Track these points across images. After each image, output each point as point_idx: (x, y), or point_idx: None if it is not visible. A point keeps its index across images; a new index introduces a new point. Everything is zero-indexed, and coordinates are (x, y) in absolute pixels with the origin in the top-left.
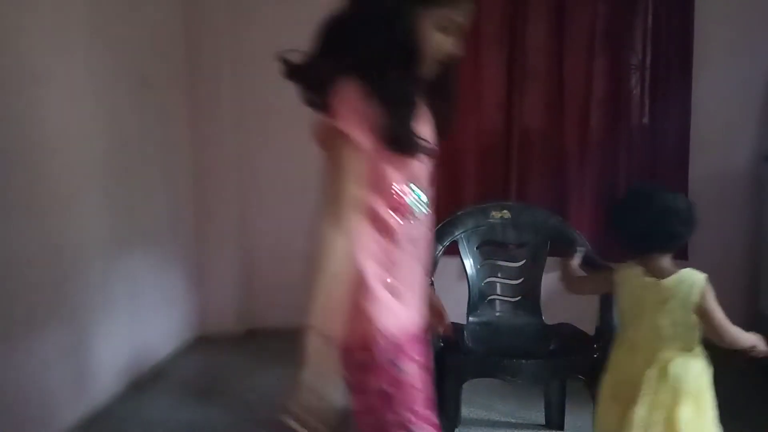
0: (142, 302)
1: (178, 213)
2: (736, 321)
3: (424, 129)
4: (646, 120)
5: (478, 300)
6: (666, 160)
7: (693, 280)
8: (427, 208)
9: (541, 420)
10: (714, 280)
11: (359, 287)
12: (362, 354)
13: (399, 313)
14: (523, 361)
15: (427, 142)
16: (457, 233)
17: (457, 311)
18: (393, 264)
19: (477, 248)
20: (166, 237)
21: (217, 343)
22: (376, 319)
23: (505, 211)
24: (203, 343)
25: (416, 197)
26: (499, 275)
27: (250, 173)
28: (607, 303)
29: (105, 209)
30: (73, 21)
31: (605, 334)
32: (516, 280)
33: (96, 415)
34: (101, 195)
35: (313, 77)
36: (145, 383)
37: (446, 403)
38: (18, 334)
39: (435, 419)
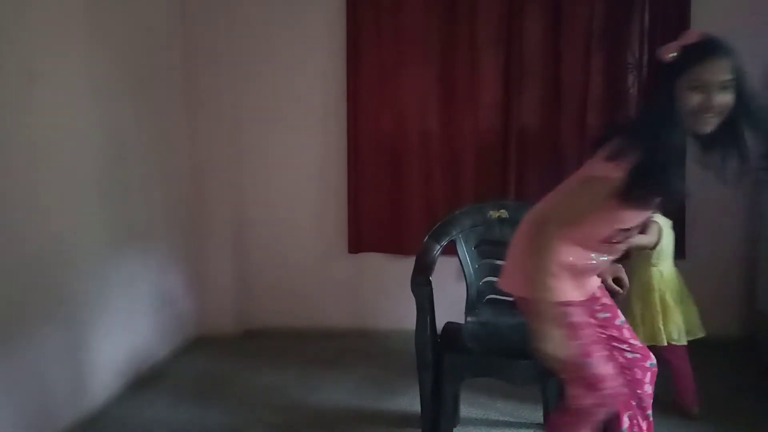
0: (139, 303)
1: (176, 213)
2: (733, 320)
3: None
4: None
5: (476, 300)
6: None
7: None
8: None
9: (540, 419)
10: (712, 279)
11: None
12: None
13: (572, 288)
14: (521, 360)
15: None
16: (454, 233)
17: (455, 311)
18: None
19: (475, 248)
20: (163, 237)
21: (215, 344)
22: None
23: (502, 210)
24: (201, 343)
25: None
26: (497, 274)
27: (248, 173)
28: None
29: (102, 209)
30: (70, 20)
31: None
32: None
33: (94, 416)
34: (98, 195)
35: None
36: (143, 384)
37: (445, 402)
38: (15, 335)
39: (602, 351)
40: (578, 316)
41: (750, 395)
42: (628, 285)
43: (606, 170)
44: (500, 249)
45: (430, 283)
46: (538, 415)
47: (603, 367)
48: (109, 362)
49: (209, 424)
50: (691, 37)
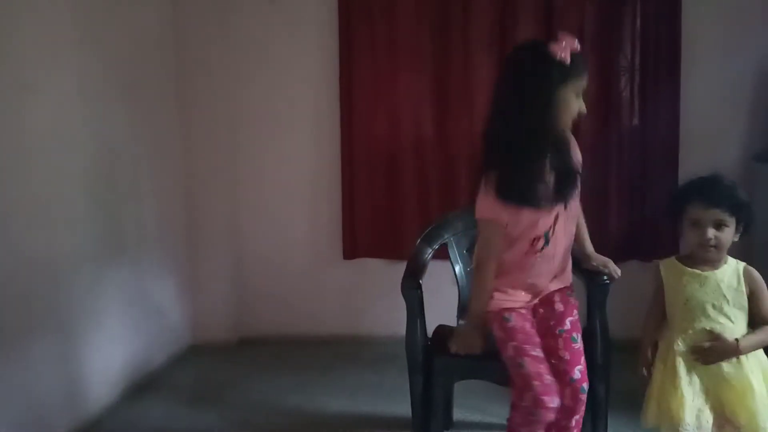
0: (133, 311)
1: (169, 221)
2: None
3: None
4: (635, 121)
5: (468, 303)
6: (656, 160)
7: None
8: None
9: None
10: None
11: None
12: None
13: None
14: None
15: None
16: (446, 236)
17: (447, 314)
18: (527, 271)
19: (466, 251)
20: (157, 245)
21: (210, 352)
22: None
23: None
24: (196, 351)
25: (545, 239)
26: None
27: (242, 180)
28: (595, 305)
29: (94, 218)
30: (60, 28)
31: (593, 335)
32: None
33: (89, 426)
34: (91, 203)
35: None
36: (138, 393)
37: (435, 405)
38: (8, 344)
39: (535, 351)
40: (514, 321)
41: None
42: (616, 273)
43: (487, 210)
44: None
45: (420, 286)
46: None
47: (533, 367)
48: (103, 371)
49: (205, 431)
50: (569, 45)
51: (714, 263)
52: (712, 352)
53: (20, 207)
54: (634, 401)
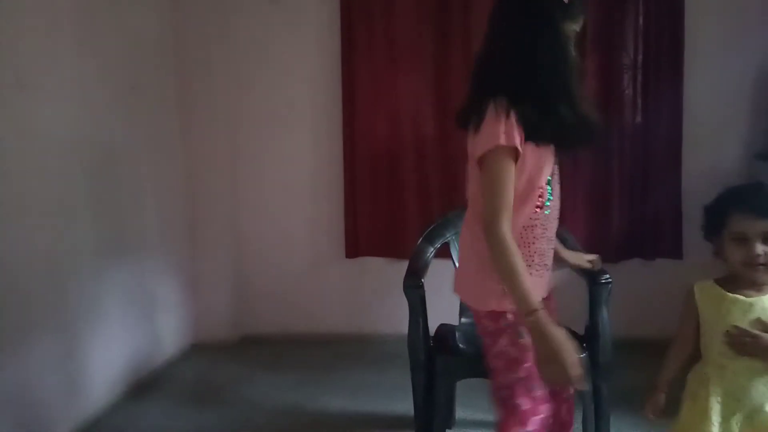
0: (135, 310)
1: (171, 220)
2: None
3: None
4: (638, 119)
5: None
6: (658, 158)
7: None
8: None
9: None
10: (708, 278)
11: (488, 270)
12: (491, 322)
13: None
14: None
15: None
16: (448, 235)
17: (449, 313)
18: (528, 248)
19: None
20: (158, 244)
21: (212, 351)
22: (499, 298)
23: None
24: (198, 350)
25: (548, 191)
26: None
27: (243, 179)
28: (596, 303)
29: (95, 217)
30: (60, 27)
31: (595, 333)
32: None
33: (90, 425)
34: (91, 203)
35: (473, 114)
36: (139, 392)
37: (437, 404)
38: (9, 344)
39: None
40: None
41: None
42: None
43: (500, 136)
44: None
45: (422, 284)
46: None
47: (539, 393)
48: (105, 371)
49: (206, 430)
50: None
51: (761, 286)
52: (756, 344)
53: (20, 207)
54: (635, 400)
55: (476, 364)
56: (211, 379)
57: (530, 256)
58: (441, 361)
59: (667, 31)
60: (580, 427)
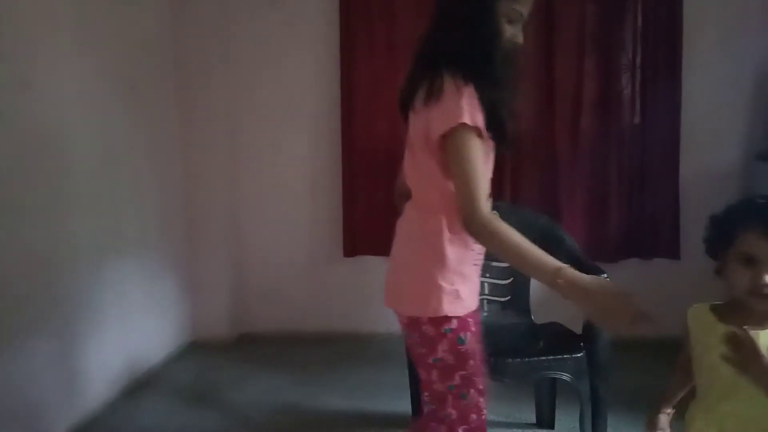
0: (133, 309)
1: (169, 218)
2: None
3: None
4: (636, 120)
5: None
6: (657, 159)
7: None
8: None
9: (532, 419)
10: (706, 280)
11: (443, 270)
12: (432, 328)
13: (469, 296)
14: (510, 359)
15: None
16: None
17: None
18: (469, 249)
19: None
20: (156, 243)
21: (210, 349)
22: (456, 301)
23: (494, 212)
24: (195, 349)
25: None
26: (488, 275)
27: (242, 178)
28: None
29: (95, 216)
30: (61, 28)
31: (592, 332)
32: (505, 280)
33: (88, 423)
34: (91, 202)
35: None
36: (137, 390)
37: None
38: (8, 342)
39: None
40: (469, 343)
41: None
42: None
43: (466, 114)
44: None
45: None
46: (531, 416)
47: (477, 400)
48: (102, 369)
49: (204, 429)
50: None
51: (763, 318)
52: (748, 354)
53: (20, 207)
54: (633, 400)
55: None
56: (209, 378)
57: (468, 260)
58: None
59: (666, 31)
60: (578, 427)
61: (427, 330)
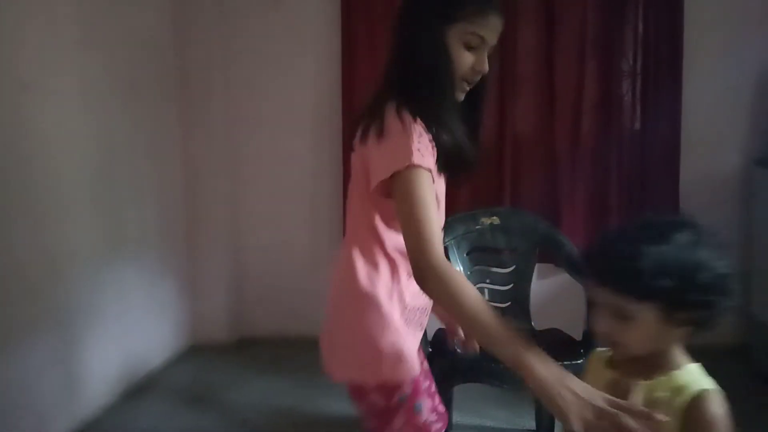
0: (133, 311)
1: (169, 221)
2: (726, 327)
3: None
4: (637, 124)
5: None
6: (657, 164)
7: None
8: None
9: (532, 425)
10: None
11: (386, 329)
12: (383, 398)
13: (413, 350)
14: None
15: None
16: (447, 240)
17: None
18: (414, 302)
19: (467, 254)
20: (156, 245)
21: (209, 352)
22: (404, 363)
23: (494, 218)
24: (195, 351)
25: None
26: (488, 281)
27: (242, 181)
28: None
29: (95, 218)
30: (62, 29)
31: (592, 340)
32: (505, 285)
33: (88, 425)
34: (91, 203)
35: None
36: (136, 392)
37: None
38: (6, 343)
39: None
40: (426, 412)
41: (744, 404)
42: None
43: (415, 154)
44: (492, 256)
45: None
46: (531, 422)
47: None
48: (102, 371)
49: (203, 431)
50: None
51: (655, 367)
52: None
53: (21, 207)
54: None
55: (473, 369)
56: (208, 380)
57: (412, 317)
58: (438, 366)
59: (667, 37)
60: None
61: (376, 400)
